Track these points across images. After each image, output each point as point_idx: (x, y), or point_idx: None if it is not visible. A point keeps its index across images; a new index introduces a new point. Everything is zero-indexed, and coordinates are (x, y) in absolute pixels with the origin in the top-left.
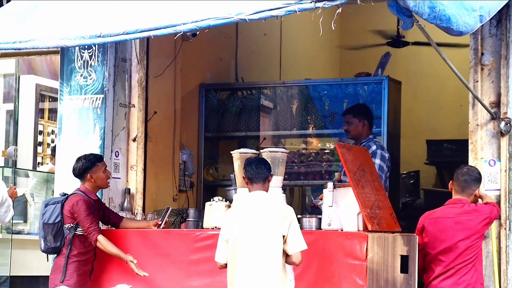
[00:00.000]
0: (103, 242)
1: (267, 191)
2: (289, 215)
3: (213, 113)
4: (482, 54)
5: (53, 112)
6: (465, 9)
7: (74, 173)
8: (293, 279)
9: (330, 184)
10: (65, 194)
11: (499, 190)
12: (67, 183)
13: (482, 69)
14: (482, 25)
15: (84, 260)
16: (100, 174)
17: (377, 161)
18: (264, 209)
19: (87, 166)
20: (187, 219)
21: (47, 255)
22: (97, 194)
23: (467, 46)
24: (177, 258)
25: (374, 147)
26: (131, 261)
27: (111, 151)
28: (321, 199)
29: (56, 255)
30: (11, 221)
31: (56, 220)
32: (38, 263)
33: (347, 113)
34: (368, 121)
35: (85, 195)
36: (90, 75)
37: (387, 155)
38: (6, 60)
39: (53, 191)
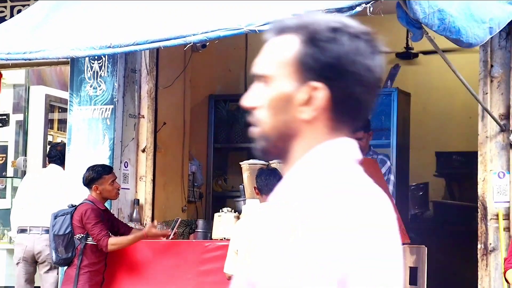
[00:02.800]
0: (115, 241)
1: None
2: None
3: (222, 124)
4: (492, 66)
5: (62, 122)
6: (474, 21)
7: (82, 182)
8: None
9: None
10: (73, 206)
11: (509, 202)
12: (77, 193)
13: (491, 81)
14: (491, 37)
15: (95, 271)
16: (107, 186)
17: (392, 177)
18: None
19: (93, 177)
20: (196, 230)
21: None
22: (107, 205)
23: (476, 52)
24: (186, 269)
25: (388, 163)
26: (151, 227)
27: (120, 162)
28: None
29: (67, 266)
30: None
31: (67, 231)
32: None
33: (358, 130)
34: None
35: (93, 204)
36: (99, 86)
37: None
38: (16, 70)
39: None
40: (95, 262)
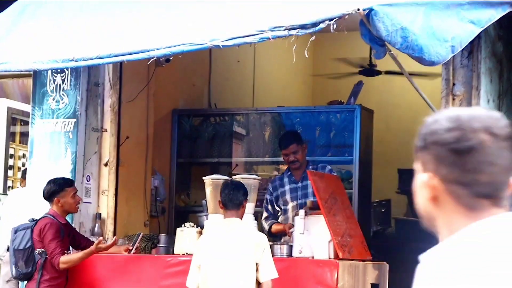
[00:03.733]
0: (66, 259)
1: (241, 217)
2: (262, 243)
3: (185, 139)
4: (454, 84)
5: (24, 135)
6: (437, 40)
7: (43, 196)
8: None
9: (301, 212)
10: (34, 220)
11: None
12: (38, 207)
13: (453, 99)
14: (454, 56)
15: (56, 285)
16: (68, 199)
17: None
18: (238, 236)
19: (54, 190)
20: (158, 245)
21: (19, 283)
22: (68, 218)
23: (439, 76)
24: (147, 284)
25: (329, 167)
26: (97, 244)
27: (83, 176)
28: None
29: (27, 281)
30: None
31: (27, 246)
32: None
33: (290, 143)
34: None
35: (54, 218)
36: (62, 99)
37: None
38: None
39: None
40: (56, 277)
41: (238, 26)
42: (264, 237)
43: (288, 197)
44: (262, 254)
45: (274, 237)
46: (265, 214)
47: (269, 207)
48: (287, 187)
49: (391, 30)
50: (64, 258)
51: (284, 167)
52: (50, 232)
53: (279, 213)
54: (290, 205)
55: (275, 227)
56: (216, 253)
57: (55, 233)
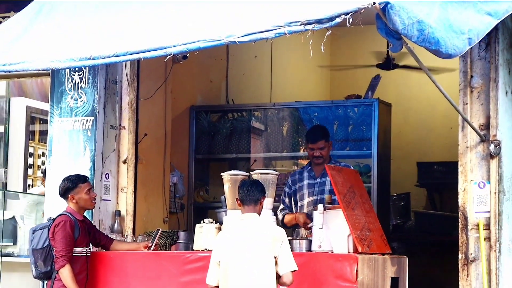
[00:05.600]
0: (66, 273)
1: (259, 213)
2: (280, 236)
3: (203, 135)
4: (472, 76)
5: (43, 134)
6: (454, 32)
7: (59, 193)
8: None
9: (320, 206)
10: (52, 219)
11: (489, 212)
12: (57, 205)
13: (471, 91)
14: (471, 48)
15: (77, 282)
16: (83, 195)
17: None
18: (256, 231)
19: (68, 187)
20: (177, 241)
21: (42, 283)
22: (88, 216)
23: (455, 70)
24: (167, 281)
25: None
26: None
27: (101, 173)
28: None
29: (48, 280)
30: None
31: (45, 245)
32: (27, 286)
33: (319, 139)
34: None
35: (71, 215)
36: (80, 97)
37: None
38: None
39: (43, 213)
40: (76, 273)
41: (254, 21)
42: (282, 231)
43: (305, 191)
44: (281, 248)
45: (287, 228)
46: (281, 206)
47: (286, 199)
48: (305, 182)
49: (407, 23)
50: (66, 272)
51: (303, 162)
52: (60, 231)
53: (296, 207)
54: (306, 201)
55: (287, 217)
56: (235, 249)
57: (67, 232)
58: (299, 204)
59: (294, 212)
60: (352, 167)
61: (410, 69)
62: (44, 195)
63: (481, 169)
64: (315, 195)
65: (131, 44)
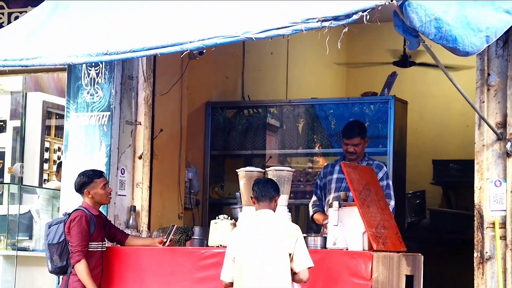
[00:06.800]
0: (81, 268)
1: (274, 211)
2: (295, 233)
3: (219, 131)
4: (489, 74)
5: (59, 129)
6: (471, 30)
7: (74, 189)
8: None
9: (335, 203)
10: (67, 214)
11: (505, 210)
12: (73, 200)
13: (488, 89)
14: (488, 46)
15: (92, 277)
16: (98, 190)
17: (390, 182)
18: (270, 228)
19: (84, 182)
20: (192, 237)
21: (58, 277)
22: (103, 211)
23: (472, 68)
24: (182, 276)
25: (385, 168)
26: None
27: (117, 169)
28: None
29: (64, 274)
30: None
31: (60, 240)
32: (43, 280)
33: (355, 135)
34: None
35: (86, 210)
36: (97, 93)
37: None
38: (14, 77)
39: (58, 208)
40: (92, 268)
41: (271, 18)
42: (296, 228)
43: (333, 186)
44: (296, 244)
45: (315, 224)
46: (313, 198)
47: (318, 191)
48: (335, 176)
49: (425, 21)
50: (82, 266)
51: (318, 159)
52: (76, 226)
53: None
54: (331, 196)
55: (316, 216)
56: (249, 246)
57: (81, 228)
58: (326, 198)
59: (323, 205)
60: (385, 166)
61: (427, 66)
62: (59, 190)
63: (498, 168)
64: (341, 190)
65: (148, 39)
